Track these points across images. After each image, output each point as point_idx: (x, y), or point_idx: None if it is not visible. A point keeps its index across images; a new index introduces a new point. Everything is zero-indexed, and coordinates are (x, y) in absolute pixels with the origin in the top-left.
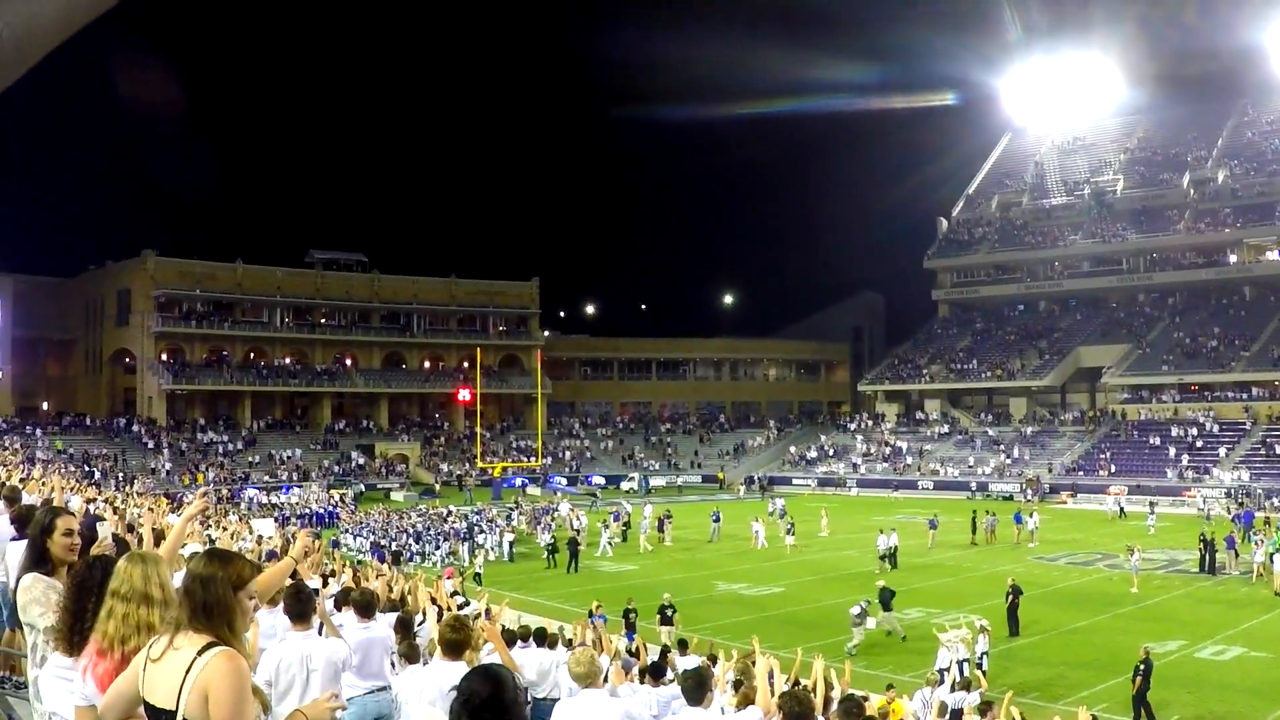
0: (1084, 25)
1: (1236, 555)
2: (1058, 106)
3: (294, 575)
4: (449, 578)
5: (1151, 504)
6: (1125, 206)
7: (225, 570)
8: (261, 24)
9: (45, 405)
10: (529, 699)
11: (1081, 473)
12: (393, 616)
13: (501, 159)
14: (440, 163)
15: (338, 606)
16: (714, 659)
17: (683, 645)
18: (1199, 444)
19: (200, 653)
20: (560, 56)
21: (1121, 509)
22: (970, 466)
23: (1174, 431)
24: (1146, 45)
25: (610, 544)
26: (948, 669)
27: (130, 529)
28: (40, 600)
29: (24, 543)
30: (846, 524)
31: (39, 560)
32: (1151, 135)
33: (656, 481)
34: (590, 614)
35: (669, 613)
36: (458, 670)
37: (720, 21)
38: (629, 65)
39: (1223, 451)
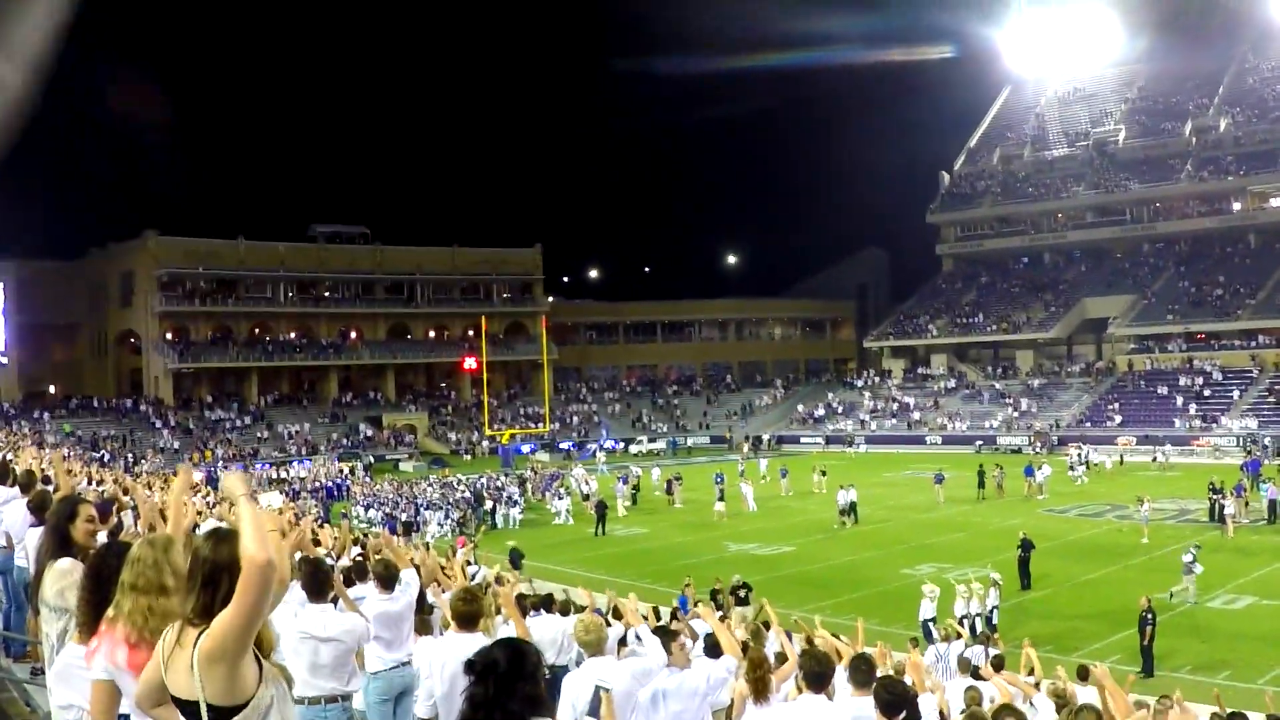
0: None
1: (1246, 504)
2: (1057, 57)
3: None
4: (461, 547)
5: (1080, 452)
6: (1127, 156)
7: (235, 554)
8: None
9: (52, 389)
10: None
11: (1089, 424)
12: (414, 587)
13: (500, 124)
14: (439, 131)
15: (348, 580)
16: (767, 625)
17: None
18: (1206, 393)
19: (197, 641)
20: (555, 9)
21: (1121, 459)
22: (978, 420)
23: (1181, 381)
24: None
25: (625, 507)
26: (933, 620)
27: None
28: (80, 583)
29: (42, 529)
30: (851, 480)
31: (63, 546)
32: (1152, 84)
33: (660, 444)
34: (680, 597)
35: (743, 593)
36: (473, 641)
37: None
38: (626, 16)
39: (1233, 398)
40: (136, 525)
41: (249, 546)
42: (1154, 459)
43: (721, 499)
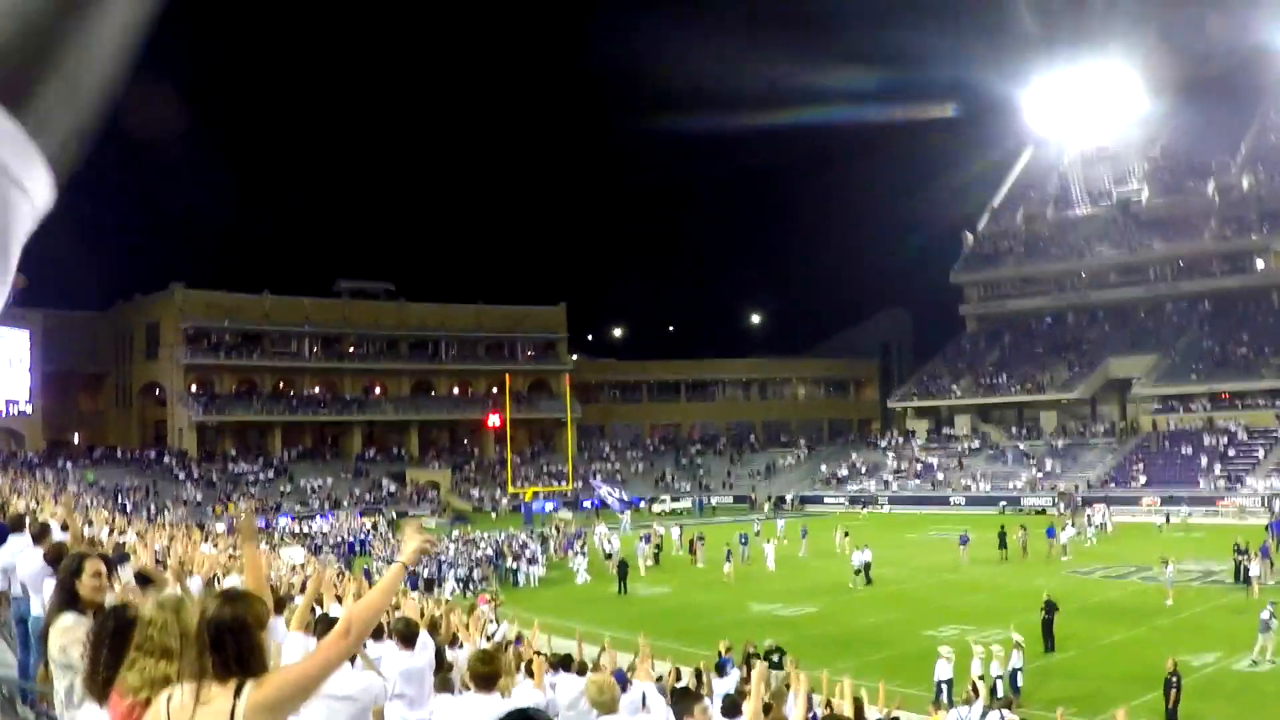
0: (1104, 33)
1: (1271, 565)
2: (1080, 116)
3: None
4: (484, 603)
5: (1088, 513)
6: (1150, 215)
7: (249, 613)
8: (283, 53)
9: (76, 438)
10: None
11: (1114, 484)
12: (430, 645)
13: (524, 184)
14: (464, 188)
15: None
16: (788, 686)
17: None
18: (1231, 452)
19: (236, 694)
20: (580, 70)
21: (1167, 519)
22: (1001, 481)
23: (1206, 440)
24: (1167, 52)
25: (646, 566)
26: (949, 681)
27: (158, 561)
28: (82, 640)
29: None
30: (874, 541)
31: (69, 602)
32: (1174, 142)
33: (685, 503)
34: (720, 655)
35: (775, 657)
36: (491, 703)
37: (743, 30)
38: (650, 75)
39: (1257, 458)
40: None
41: (364, 612)
42: (1165, 520)
43: (729, 559)
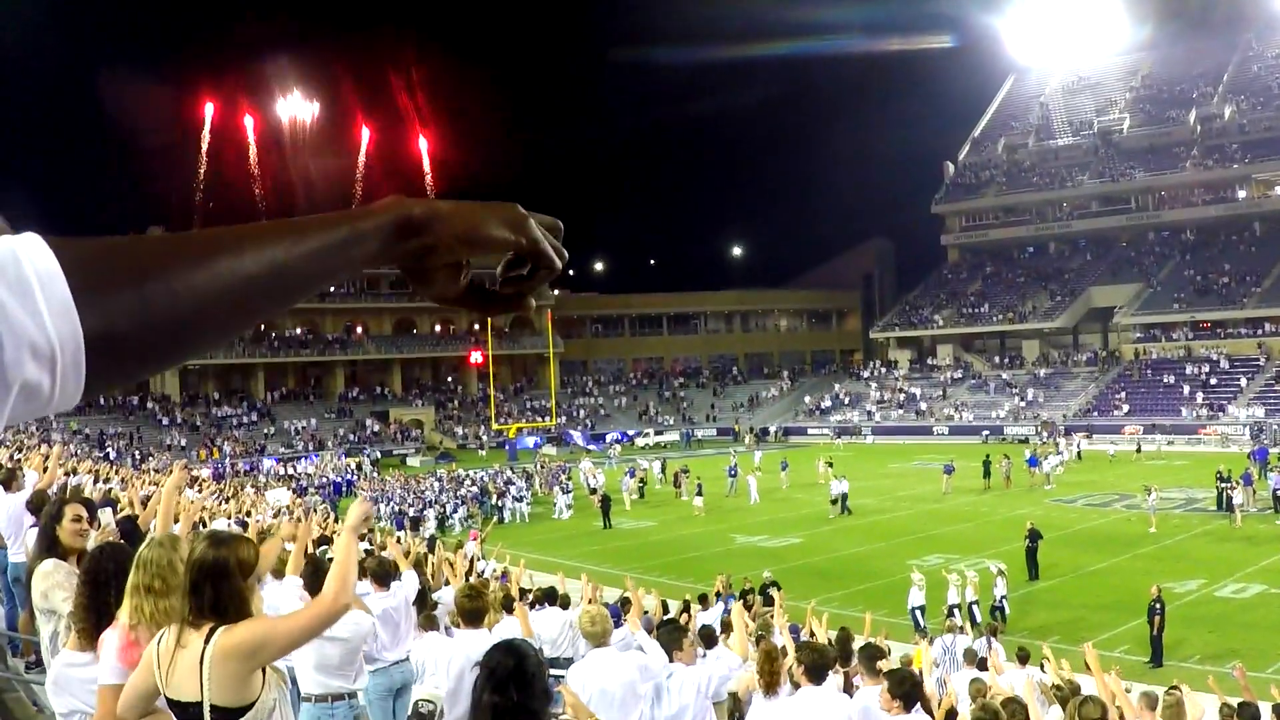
0: None
1: (1254, 492)
2: (1061, 46)
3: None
4: (474, 539)
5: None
6: (1132, 145)
7: (231, 556)
8: None
9: None
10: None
11: (1096, 413)
12: (412, 584)
13: (506, 115)
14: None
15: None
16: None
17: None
18: (1213, 381)
19: (206, 640)
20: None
21: (1139, 447)
22: (985, 411)
23: (1188, 369)
24: None
25: (630, 500)
26: (921, 608)
27: (144, 503)
28: (64, 585)
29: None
30: (858, 471)
31: (50, 547)
32: (1156, 72)
33: (671, 436)
34: (718, 594)
35: (772, 591)
36: (479, 638)
37: None
38: (627, 6)
39: (1240, 386)
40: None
41: (332, 584)
42: (1137, 448)
43: (700, 494)
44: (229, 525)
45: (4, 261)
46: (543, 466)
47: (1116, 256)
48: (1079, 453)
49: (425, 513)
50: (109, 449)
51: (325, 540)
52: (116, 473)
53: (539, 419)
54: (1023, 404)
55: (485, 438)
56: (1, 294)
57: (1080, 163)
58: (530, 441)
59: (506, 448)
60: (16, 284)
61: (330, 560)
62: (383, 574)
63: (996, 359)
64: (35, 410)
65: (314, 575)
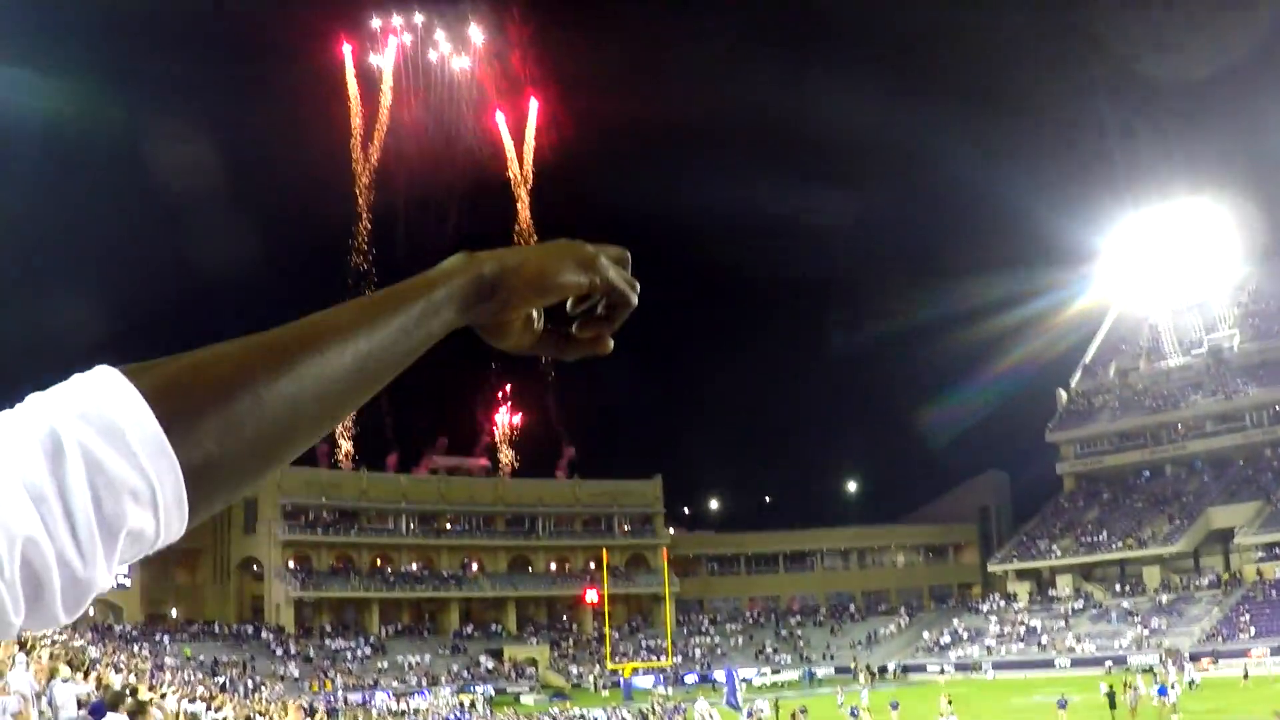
0: (1191, 182)
1: None
2: (1166, 266)
3: None
4: None
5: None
6: (1244, 361)
7: None
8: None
9: (174, 612)
10: None
11: (1221, 638)
12: None
13: (615, 357)
14: (558, 364)
15: None
16: None
17: None
18: None
19: None
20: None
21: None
22: (1107, 640)
23: None
24: (1253, 198)
25: None
26: None
27: None
28: None
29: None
30: (978, 708)
31: None
32: (1264, 286)
33: (789, 675)
34: None
35: None
36: None
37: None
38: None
39: None
40: None
41: None
42: (1244, 674)
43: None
44: None
45: (87, 407)
46: (658, 706)
47: (1234, 476)
48: (1190, 682)
49: None
50: (221, 678)
51: None
52: (228, 701)
53: (654, 658)
54: (1146, 632)
55: (599, 677)
56: (92, 443)
57: (1193, 382)
58: (649, 681)
59: (622, 686)
60: (105, 430)
61: None
62: None
63: (1117, 587)
64: (140, 551)
65: None
